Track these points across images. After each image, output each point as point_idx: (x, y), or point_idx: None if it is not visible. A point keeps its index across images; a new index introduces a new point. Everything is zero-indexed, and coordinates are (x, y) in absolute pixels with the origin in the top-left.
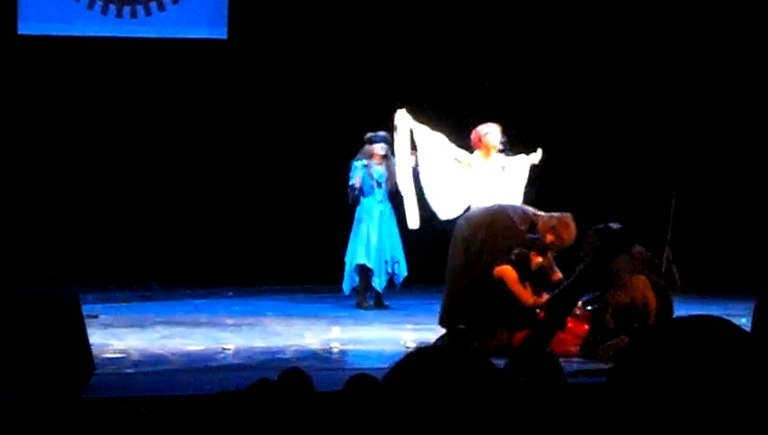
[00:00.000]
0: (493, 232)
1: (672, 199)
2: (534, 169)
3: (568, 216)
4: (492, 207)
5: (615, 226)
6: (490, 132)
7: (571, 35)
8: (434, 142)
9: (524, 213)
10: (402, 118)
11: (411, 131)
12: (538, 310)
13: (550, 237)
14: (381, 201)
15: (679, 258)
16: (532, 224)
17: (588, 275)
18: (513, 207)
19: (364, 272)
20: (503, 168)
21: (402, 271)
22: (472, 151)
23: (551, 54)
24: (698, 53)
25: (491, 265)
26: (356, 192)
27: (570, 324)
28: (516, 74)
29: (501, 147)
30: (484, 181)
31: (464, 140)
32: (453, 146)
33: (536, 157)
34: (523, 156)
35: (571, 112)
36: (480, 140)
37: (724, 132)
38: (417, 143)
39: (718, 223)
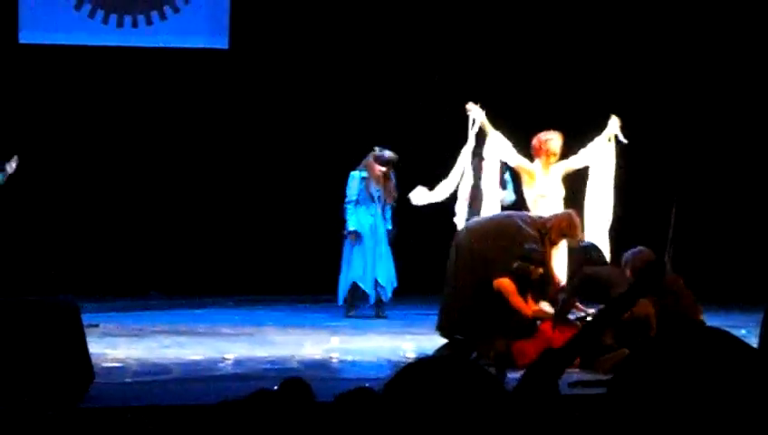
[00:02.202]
0: (503, 240)
1: (673, 209)
2: (621, 148)
3: (573, 214)
4: (497, 215)
5: (642, 249)
6: (552, 139)
7: (574, 42)
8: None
9: (531, 219)
10: (477, 112)
11: (482, 126)
12: (538, 321)
13: (560, 239)
14: (374, 214)
15: (679, 268)
16: (542, 227)
17: (618, 309)
18: (520, 215)
19: (357, 287)
20: (564, 176)
21: (386, 295)
22: (532, 160)
23: (553, 60)
24: (700, 61)
25: (495, 275)
26: (351, 203)
27: (568, 334)
28: (517, 79)
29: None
30: (545, 192)
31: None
32: (515, 152)
33: (613, 126)
34: (598, 139)
35: (572, 120)
36: (541, 147)
37: (725, 142)
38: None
39: (719, 233)
